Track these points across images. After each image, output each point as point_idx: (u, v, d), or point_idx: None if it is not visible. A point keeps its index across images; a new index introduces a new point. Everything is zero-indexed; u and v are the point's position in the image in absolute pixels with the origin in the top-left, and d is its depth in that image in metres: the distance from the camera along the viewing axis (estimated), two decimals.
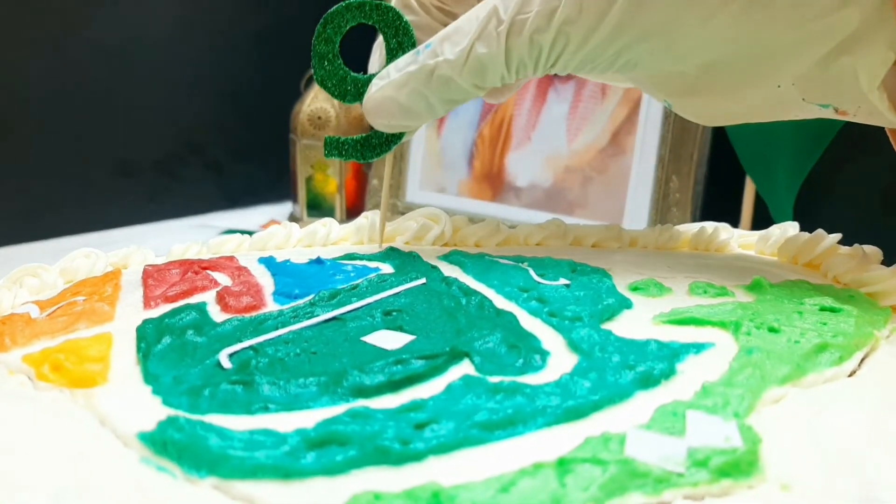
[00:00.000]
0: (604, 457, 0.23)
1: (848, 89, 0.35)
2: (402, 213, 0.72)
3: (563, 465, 0.23)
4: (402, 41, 0.40)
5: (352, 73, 0.41)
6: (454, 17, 0.42)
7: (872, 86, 0.34)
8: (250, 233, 0.48)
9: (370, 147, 0.42)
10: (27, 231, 0.77)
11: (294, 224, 0.48)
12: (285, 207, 0.90)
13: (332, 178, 0.81)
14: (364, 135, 0.42)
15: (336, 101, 0.77)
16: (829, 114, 0.37)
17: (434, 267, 0.40)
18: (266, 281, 0.39)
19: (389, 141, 0.41)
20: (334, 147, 0.42)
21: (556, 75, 0.43)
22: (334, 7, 0.40)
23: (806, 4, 0.32)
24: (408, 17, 0.41)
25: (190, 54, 0.86)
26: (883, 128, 0.38)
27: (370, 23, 0.41)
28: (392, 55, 0.40)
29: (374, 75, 0.41)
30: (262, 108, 0.90)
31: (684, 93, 0.39)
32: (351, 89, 0.41)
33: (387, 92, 0.39)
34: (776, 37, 0.34)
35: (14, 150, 0.77)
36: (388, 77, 0.39)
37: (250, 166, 0.92)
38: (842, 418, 0.27)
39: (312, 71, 0.41)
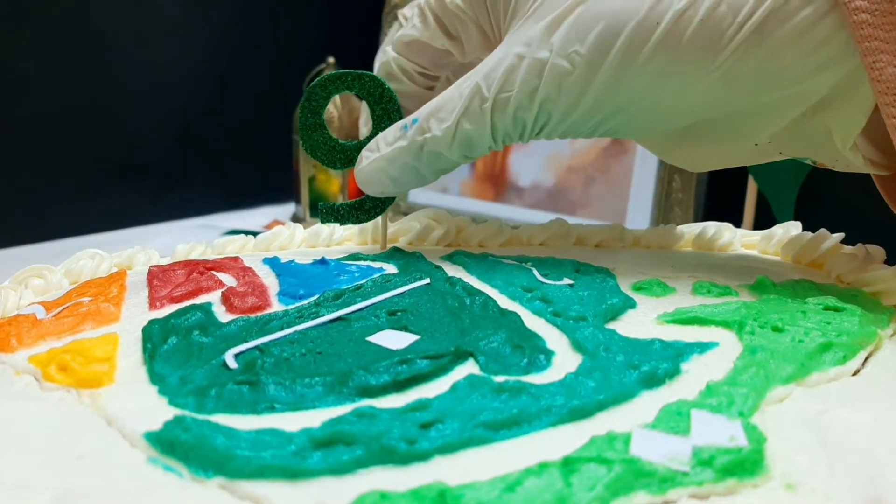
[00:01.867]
0: (609, 456, 0.23)
1: (823, 145, 0.36)
2: (405, 213, 0.72)
3: (569, 464, 0.23)
4: (386, 107, 0.42)
5: (340, 142, 0.43)
6: (436, 80, 0.44)
7: (846, 145, 0.35)
8: (254, 233, 0.48)
9: (364, 210, 0.44)
10: (31, 232, 0.78)
11: (298, 224, 0.48)
12: (288, 208, 0.90)
13: (334, 179, 0.81)
14: (358, 199, 0.43)
15: (338, 102, 0.78)
16: (808, 162, 0.38)
17: (438, 267, 0.40)
18: (271, 281, 0.39)
19: (383, 203, 0.43)
20: (330, 213, 0.44)
21: None
22: (317, 80, 0.42)
23: (779, 74, 0.34)
24: (391, 85, 0.42)
25: (193, 56, 0.86)
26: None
27: (353, 92, 0.42)
28: (378, 122, 0.42)
29: (361, 143, 0.42)
30: (265, 110, 0.90)
31: (668, 147, 0.40)
32: (340, 157, 0.43)
33: (378, 165, 0.41)
34: (751, 102, 0.35)
35: (18, 152, 0.77)
36: (377, 150, 0.41)
37: (253, 167, 0.93)
38: (846, 417, 0.27)
39: (301, 142, 0.43)
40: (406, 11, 0.44)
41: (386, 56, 0.43)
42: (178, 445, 0.25)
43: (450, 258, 0.43)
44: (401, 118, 0.42)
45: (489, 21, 0.40)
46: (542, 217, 0.74)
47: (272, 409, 0.27)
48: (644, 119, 0.37)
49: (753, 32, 0.33)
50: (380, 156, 0.41)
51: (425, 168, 0.40)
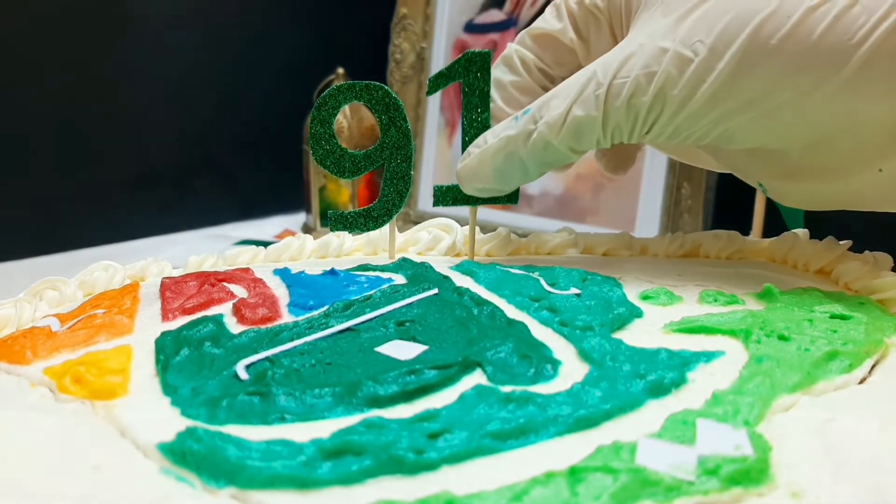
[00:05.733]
0: (615, 465, 0.24)
1: None
2: (415, 223, 0.72)
3: (575, 473, 0.23)
4: (392, 116, 0.43)
5: (349, 151, 0.43)
6: (553, 79, 0.43)
7: None
8: (264, 243, 0.48)
9: (372, 218, 0.44)
10: (46, 243, 0.78)
11: (308, 235, 0.48)
12: (299, 217, 0.91)
13: (344, 188, 0.82)
14: (366, 207, 0.44)
15: (349, 112, 0.78)
16: None
17: (446, 277, 0.41)
18: (281, 292, 0.39)
19: (389, 211, 0.44)
20: (339, 221, 0.44)
21: None
22: (327, 91, 0.43)
23: None
24: (509, 78, 0.43)
25: (205, 67, 0.87)
26: None
27: (361, 101, 0.43)
28: (385, 131, 0.43)
29: (369, 152, 0.43)
30: (276, 120, 0.91)
31: (783, 176, 0.38)
32: (348, 166, 0.44)
33: (483, 157, 0.41)
34: (880, 113, 0.34)
35: (31, 164, 0.78)
36: (484, 144, 0.41)
37: (264, 177, 0.93)
38: (852, 425, 0.27)
39: (311, 151, 0.44)
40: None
41: (511, 47, 0.43)
42: (190, 456, 0.25)
43: (458, 268, 0.43)
44: (407, 127, 0.43)
45: (621, 22, 0.40)
46: (552, 225, 0.74)
47: (282, 420, 0.27)
48: (762, 125, 0.36)
49: (889, 34, 0.32)
50: (486, 147, 0.40)
51: (531, 159, 0.39)
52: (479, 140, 0.42)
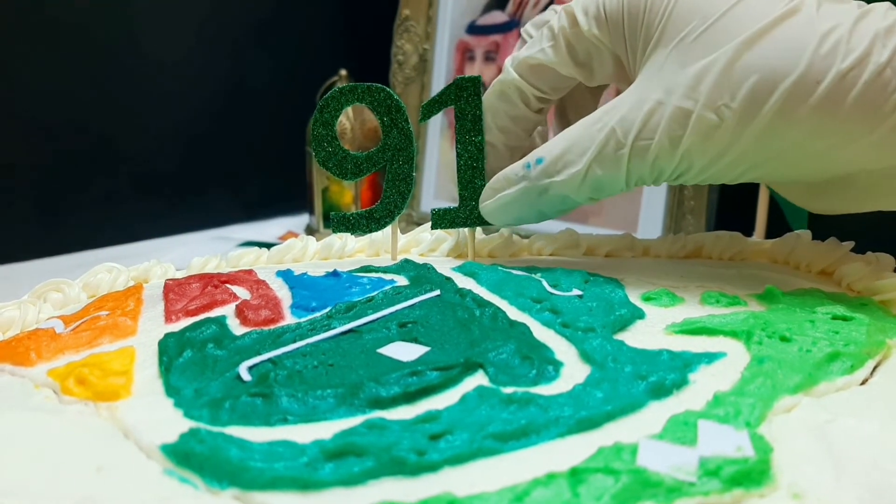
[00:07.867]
0: (616, 467, 0.24)
1: None
2: (417, 224, 0.72)
3: (576, 474, 0.24)
4: (394, 118, 0.43)
5: (351, 153, 0.43)
6: (549, 104, 0.43)
7: None
8: (268, 245, 0.48)
9: (374, 220, 0.44)
10: (49, 245, 0.79)
11: (311, 237, 0.49)
12: (302, 219, 0.91)
13: (347, 190, 0.82)
14: (368, 209, 0.44)
15: (351, 114, 0.78)
16: None
17: (448, 278, 0.41)
18: (284, 294, 0.39)
19: (392, 213, 0.44)
20: (341, 222, 0.44)
21: None
22: (329, 93, 0.43)
23: None
24: (503, 107, 0.43)
25: (208, 69, 0.87)
26: None
27: (363, 104, 0.43)
28: (387, 132, 0.43)
29: (371, 154, 0.43)
30: (279, 122, 0.91)
31: (804, 195, 0.39)
32: (350, 168, 0.44)
33: (501, 203, 0.41)
34: None
35: (35, 165, 0.78)
36: (501, 189, 0.41)
37: (268, 179, 0.93)
38: (854, 427, 0.27)
39: (313, 153, 0.44)
40: (530, 29, 0.43)
41: (508, 76, 0.42)
42: (192, 457, 0.25)
43: (460, 269, 0.43)
44: (409, 129, 0.43)
45: (626, 51, 0.38)
46: (554, 226, 0.74)
47: (285, 421, 0.27)
48: (792, 171, 0.36)
49: None
50: (504, 194, 0.41)
51: (548, 208, 0.40)
52: (495, 182, 0.42)
